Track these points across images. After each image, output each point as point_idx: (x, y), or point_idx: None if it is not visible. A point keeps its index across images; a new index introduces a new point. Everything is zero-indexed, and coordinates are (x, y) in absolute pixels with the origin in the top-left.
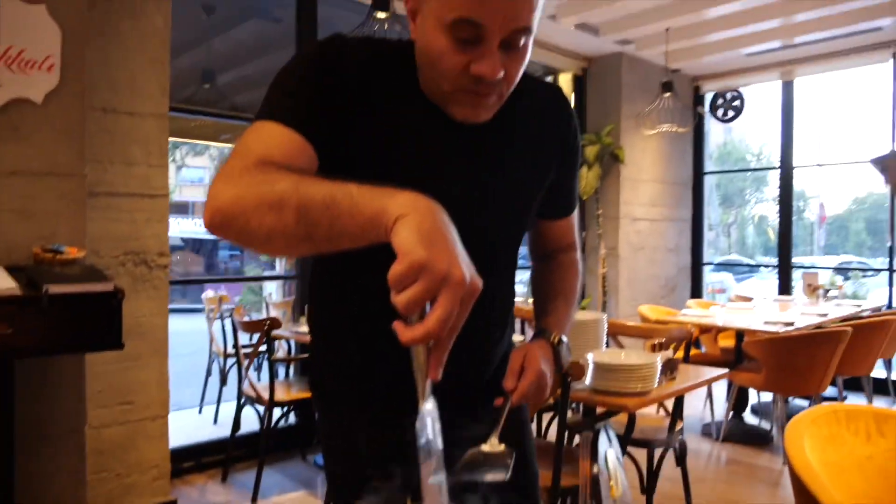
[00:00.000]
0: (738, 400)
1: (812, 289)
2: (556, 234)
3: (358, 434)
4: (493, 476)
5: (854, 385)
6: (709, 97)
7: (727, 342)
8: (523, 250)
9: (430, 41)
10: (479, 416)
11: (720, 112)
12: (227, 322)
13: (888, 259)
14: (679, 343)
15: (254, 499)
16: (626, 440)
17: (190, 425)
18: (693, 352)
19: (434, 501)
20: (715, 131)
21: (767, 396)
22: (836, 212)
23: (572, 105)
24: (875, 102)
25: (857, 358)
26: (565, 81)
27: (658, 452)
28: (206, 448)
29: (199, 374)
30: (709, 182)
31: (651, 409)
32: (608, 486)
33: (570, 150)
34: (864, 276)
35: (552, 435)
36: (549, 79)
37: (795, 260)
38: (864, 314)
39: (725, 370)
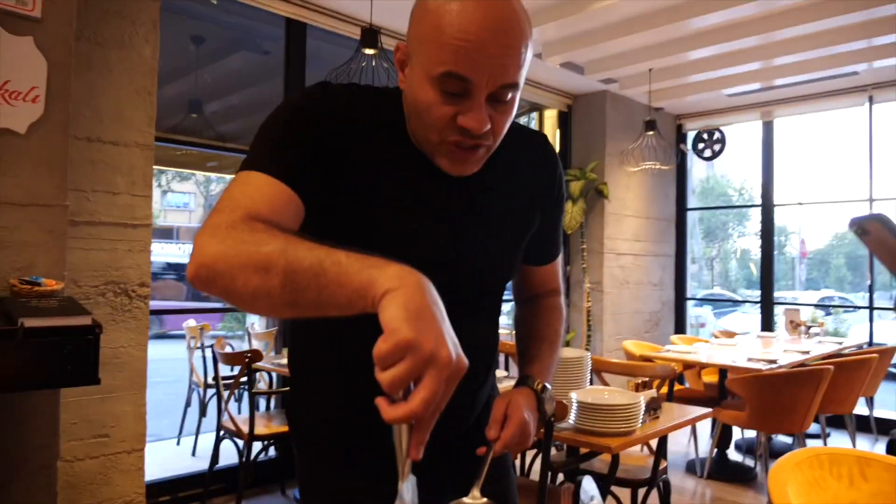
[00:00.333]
0: (722, 436)
1: (794, 325)
2: (541, 279)
3: (335, 484)
4: None
5: (837, 422)
6: (691, 135)
7: (711, 378)
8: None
9: (417, 92)
10: (460, 462)
11: (702, 150)
12: (209, 351)
13: (868, 295)
14: (663, 381)
15: None
16: (610, 480)
17: (168, 457)
18: (677, 387)
19: None
20: (698, 166)
21: (752, 432)
22: (817, 247)
23: (557, 141)
24: (852, 144)
25: (839, 396)
26: (550, 117)
27: (642, 492)
28: (184, 482)
29: (179, 404)
30: (692, 217)
31: (635, 447)
32: None
33: (556, 198)
34: (846, 312)
35: (535, 472)
36: (535, 115)
37: (778, 294)
38: (846, 351)
39: (709, 410)
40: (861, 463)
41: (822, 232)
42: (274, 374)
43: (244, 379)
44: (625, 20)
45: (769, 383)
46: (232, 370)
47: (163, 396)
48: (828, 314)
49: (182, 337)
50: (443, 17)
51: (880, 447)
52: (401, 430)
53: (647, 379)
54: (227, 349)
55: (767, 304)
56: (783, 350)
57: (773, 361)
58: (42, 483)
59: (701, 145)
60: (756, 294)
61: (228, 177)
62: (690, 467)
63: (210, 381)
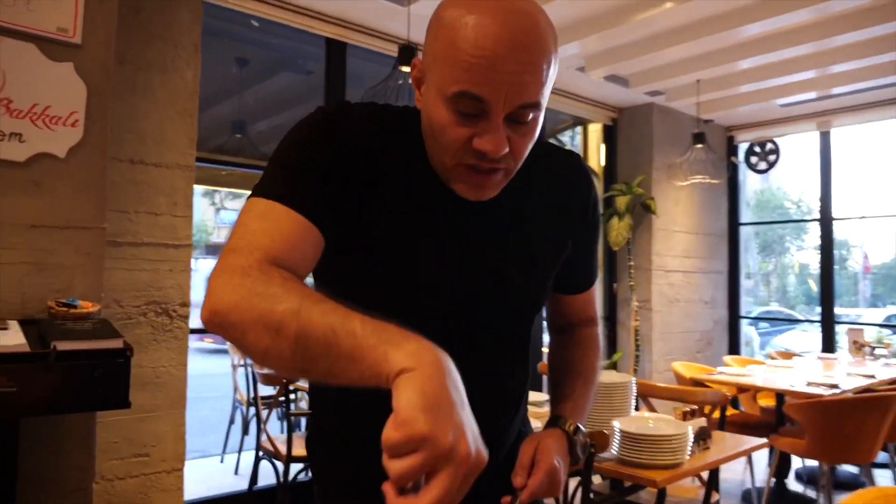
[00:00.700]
0: (780, 464)
1: (858, 346)
2: (575, 309)
3: None
4: None
5: None
6: (743, 147)
7: (767, 401)
8: None
9: (432, 112)
10: None
11: (755, 162)
12: (252, 369)
13: None
14: (714, 407)
15: None
16: None
17: (212, 474)
18: (731, 412)
19: None
20: (752, 178)
21: (813, 460)
22: (883, 261)
23: (602, 155)
24: None
25: None
26: (595, 132)
27: None
28: (224, 502)
29: (226, 420)
30: (747, 231)
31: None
32: None
33: (590, 222)
34: None
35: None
36: (579, 129)
37: (840, 311)
38: None
39: (764, 440)
40: None
41: (888, 245)
42: None
43: (283, 398)
44: (670, 30)
45: (831, 410)
46: (275, 389)
47: (210, 412)
48: (895, 333)
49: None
50: (458, 32)
51: None
52: None
53: (695, 407)
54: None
55: (828, 323)
56: (846, 373)
57: (835, 386)
58: None
59: (754, 158)
60: (816, 310)
61: None
62: (746, 497)
63: (251, 399)
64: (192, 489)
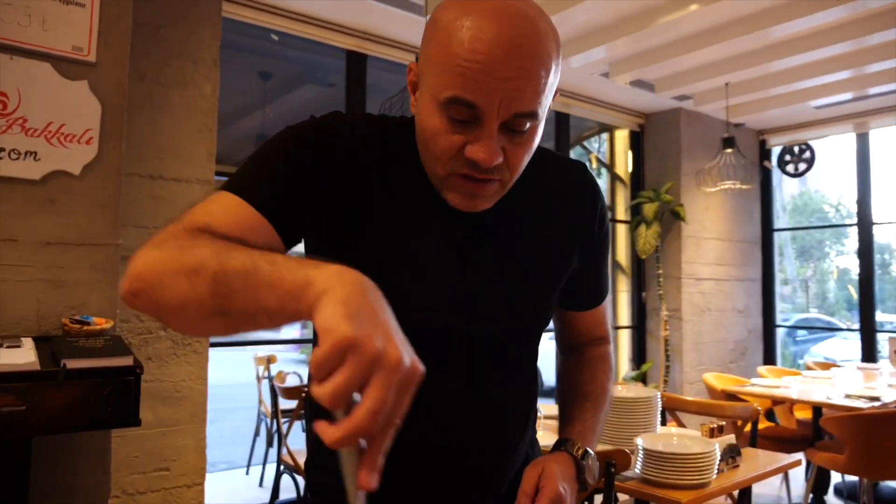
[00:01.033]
0: (818, 479)
1: None
2: (585, 327)
3: None
4: None
5: None
6: (776, 151)
7: (804, 414)
8: None
9: (424, 119)
10: None
11: (789, 166)
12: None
13: None
14: (745, 422)
15: None
16: None
17: (237, 486)
18: (765, 425)
19: None
20: (788, 182)
21: (853, 475)
22: None
23: (629, 162)
24: None
25: None
26: (622, 138)
27: None
28: None
29: (252, 432)
30: (783, 235)
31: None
32: None
33: (598, 235)
34: None
35: None
36: (605, 135)
37: (882, 318)
38: None
39: (796, 457)
40: None
41: None
42: None
43: (304, 412)
44: (697, 33)
45: (872, 423)
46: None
47: (241, 422)
48: None
49: None
50: (452, 35)
51: None
52: (347, 456)
53: (722, 423)
54: (291, 381)
55: (869, 331)
56: (888, 385)
57: (877, 399)
58: None
59: (787, 161)
60: (856, 317)
61: None
62: None
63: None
64: (216, 501)
